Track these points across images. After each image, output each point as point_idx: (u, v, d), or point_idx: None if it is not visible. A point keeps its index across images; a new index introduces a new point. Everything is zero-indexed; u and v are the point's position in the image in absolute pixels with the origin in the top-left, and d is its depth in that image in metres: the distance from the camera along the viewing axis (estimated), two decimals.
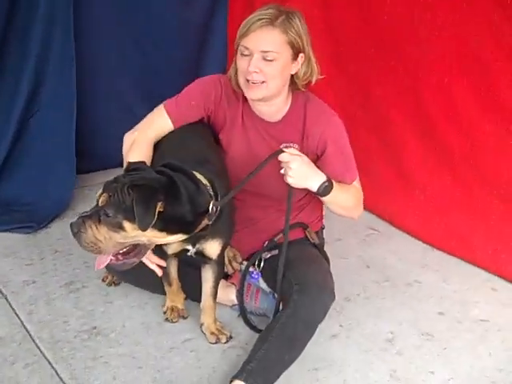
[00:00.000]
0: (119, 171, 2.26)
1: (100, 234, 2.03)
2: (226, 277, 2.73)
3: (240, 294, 2.61)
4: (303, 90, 2.49)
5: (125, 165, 2.40)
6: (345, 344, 2.53)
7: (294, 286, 2.37)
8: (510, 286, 2.97)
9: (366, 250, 3.25)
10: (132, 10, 3.80)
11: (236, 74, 2.45)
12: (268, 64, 2.31)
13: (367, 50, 3.39)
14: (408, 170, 3.35)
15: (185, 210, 2.10)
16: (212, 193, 2.19)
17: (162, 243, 2.21)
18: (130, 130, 2.55)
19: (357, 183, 2.60)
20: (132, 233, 2.04)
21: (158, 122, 2.57)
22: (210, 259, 2.39)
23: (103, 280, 2.87)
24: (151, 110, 3.93)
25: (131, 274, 2.60)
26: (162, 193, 2.03)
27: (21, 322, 2.61)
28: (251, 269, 2.66)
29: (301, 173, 2.34)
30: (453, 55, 3.05)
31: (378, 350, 2.53)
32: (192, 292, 2.67)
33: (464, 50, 3.00)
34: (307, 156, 2.43)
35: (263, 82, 2.34)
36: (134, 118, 3.57)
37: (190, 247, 2.31)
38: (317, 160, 2.50)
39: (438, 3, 3.04)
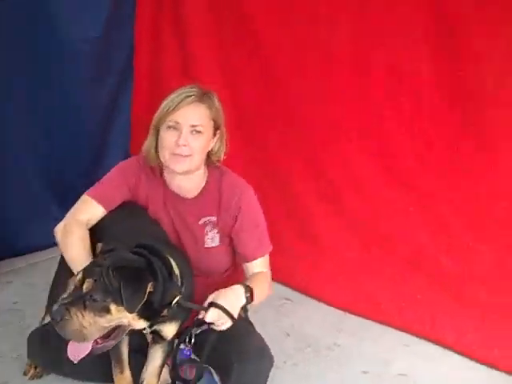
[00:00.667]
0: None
1: (85, 320, 1.99)
2: None
3: (174, 372, 2.58)
4: (217, 164, 2.59)
5: (69, 254, 2.43)
6: None
7: (232, 357, 2.39)
8: (418, 340, 3.16)
9: (282, 319, 3.33)
10: (41, 89, 3.76)
11: (155, 150, 2.50)
12: (195, 138, 2.40)
13: (273, 122, 3.60)
14: (317, 237, 3.53)
15: (156, 298, 2.09)
16: (180, 283, 2.20)
17: (136, 327, 2.15)
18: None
19: (265, 261, 2.63)
20: (117, 315, 2.01)
21: (86, 208, 2.55)
22: (163, 339, 2.36)
23: (25, 374, 2.72)
24: (55, 192, 3.95)
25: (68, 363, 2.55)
26: (150, 274, 2.05)
27: None
28: (182, 346, 2.65)
29: (225, 318, 2.34)
30: (354, 124, 3.33)
31: None
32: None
33: (365, 119, 3.30)
34: (222, 230, 2.54)
35: (189, 155, 2.42)
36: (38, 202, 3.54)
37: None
38: (231, 232, 2.58)
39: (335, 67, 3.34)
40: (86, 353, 2.08)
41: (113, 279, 1.99)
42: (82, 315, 1.99)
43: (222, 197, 2.55)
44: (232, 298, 2.36)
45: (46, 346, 2.58)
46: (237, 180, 2.61)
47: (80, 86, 3.95)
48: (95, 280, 1.99)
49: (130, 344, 2.42)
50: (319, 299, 3.47)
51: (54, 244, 3.83)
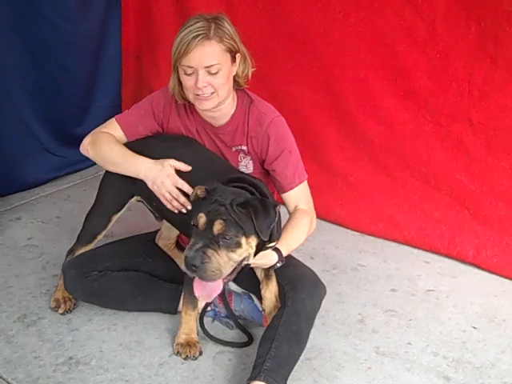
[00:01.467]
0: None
1: (221, 258, 2.05)
2: None
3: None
4: (244, 86, 2.55)
5: (109, 154, 2.49)
6: (324, 332, 2.63)
7: (284, 286, 2.42)
8: (439, 258, 3.24)
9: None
10: (25, 20, 3.60)
11: (180, 89, 2.48)
12: (214, 77, 2.35)
13: (280, 51, 3.52)
14: (330, 162, 3.52)
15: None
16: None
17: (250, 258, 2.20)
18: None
19: (304, 191, 2.62)
20: (245, 248, 2.09)
21: (109, 128, 2.59)
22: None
23: (55, 309, 2.69)
24: (48, 126, 3.83)
25: (97, 291, 2.60)
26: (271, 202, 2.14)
27: None
28: None
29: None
30: (367, 51, 3.28)
31: (356, 331, 2.66)
32: (163, 303, 2.65)
33: (378, 46, 3.24)
34: (253, 160, 2.56)
35: (212, 93, 2.38)
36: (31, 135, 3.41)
37: None
38: (263, 163, 2.56)
39: (350, 3, 3.23)
40: (219, 290, 2.15)
41: (241, 214, 2.06)
42: (218, 254, 2.05)
43: (250, 126, 2.53)
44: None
45: (86, 278, 2.56)
46: (265, 109, 2.56)
47: (66, 16, 3.83)
48: (225, 219, 2.04)
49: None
50: (338, 223, 3.51)
51: (53, 179, 3.87)
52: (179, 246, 2.86)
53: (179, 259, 2.76)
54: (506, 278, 3.07)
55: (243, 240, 2.08)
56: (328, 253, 3.28)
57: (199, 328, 2.52)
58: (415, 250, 3.31)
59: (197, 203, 2.18)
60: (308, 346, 2.42)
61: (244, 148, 2.56)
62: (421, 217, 3.33)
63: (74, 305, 2.71)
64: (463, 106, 3.12)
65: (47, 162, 3.96)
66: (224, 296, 2.58)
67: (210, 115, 2.52)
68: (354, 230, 3.49)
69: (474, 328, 2.70)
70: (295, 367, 2.32)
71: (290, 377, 2.27)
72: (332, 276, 3.05)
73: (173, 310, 2.69)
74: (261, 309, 2.57)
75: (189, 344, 2.44)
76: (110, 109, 4.26)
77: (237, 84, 2.52)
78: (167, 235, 2.85)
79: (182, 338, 2.46)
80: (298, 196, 2.55)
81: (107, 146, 2.53)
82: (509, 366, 2.46)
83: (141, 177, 2.46)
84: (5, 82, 3.61)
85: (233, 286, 2.68)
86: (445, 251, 3.23)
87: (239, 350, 2.51)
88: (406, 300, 2.89)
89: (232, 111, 2.54)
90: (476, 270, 3.14)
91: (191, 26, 2.34)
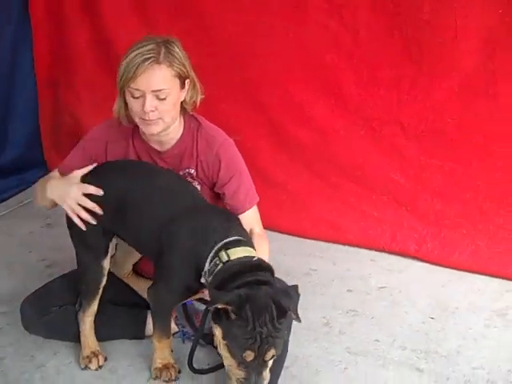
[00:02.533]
0: None
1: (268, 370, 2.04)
2: None
3: (186, 320, 2.58)
4: (191, 112, 2.51)
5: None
6: (294, 339, 2.63)
7: None
8: (384, 255, 3.37)
9: None
10: None
11: (125, 112, 2.42)
12: (162, 102, 2.30)
13: (207, 68, 3.48)
14: (267, 173, 3.58)
15: None
16: None
17: None
18: None
19: (256, 214, 2.57)
20: None
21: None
22: None
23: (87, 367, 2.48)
24: None
25: (59, 328, 2.54)
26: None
27: None
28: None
29: None
30: (295, 63, 3.39)
31: (323, 335, 2.72)
32: (129, 330, 2.60)
33: (305, 57, 3.38)
34: (203, 183, 2.51)
35: (159, 118, 2.33)
36: None
37: None
38: (213, 186, 2.54)
39: (275, 17, 3.32)
40: None
41: (280, 325, 2.00)
42: (268, 370, 2.04)
43: (199, 149, 2.49)
44: None
45: (45, 316, 2.51)
46: (214, 132, 2.53)
47: None
48: (276, 347, 1.99)
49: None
50: (281, 231, 3.54)
51: None
52: (137, 272, 2.78)
53: (138, 287, 2.71)
54: (448, 268, 3.23)
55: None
56: (277, 261, 3.24)
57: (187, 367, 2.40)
58: (359, 250, 3.42)
59: (229, 323, 1.99)
60: None
61: (192, 171, 2.51)
62: (361, 218, 3.46)
63: (105, 359, 2.52)
64: (393, 110, 3.30)
65: None
66: (190, 317, 2.55)
67: (156, 139, 2.47)
68: (296, 236, 3.54)
69: (432, 318, 2.83)
70: None
71: None
72: (287, 283, 3.08)
73: (140, 336, 2.62)
74: None
75: (167, 367, 2.39)
76: (29, 136, 4.13)
77: (183, 110, 2.47)
78: (122, 262, 2.76)
79: (158, 362, 2.40)
80: (252, 219, 2.51)
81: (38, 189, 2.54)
82: (473, 352, 2.60)
83: (52, 198, 2.42)
84: None
85: (200, 306, 2.64)
86: (388, 248, 3.37)
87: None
88: (363, 299, 2.98)
89: (178, 135, 2.49)
90: (420, 264, 3.29)
91: (140, 48, 2.27)
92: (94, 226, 2.34)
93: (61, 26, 4.03)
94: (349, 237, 3.45)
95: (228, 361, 2.03)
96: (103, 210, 2.33)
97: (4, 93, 3.93)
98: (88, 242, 2.40)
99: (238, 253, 2.10)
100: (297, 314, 2.02)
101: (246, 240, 2.19)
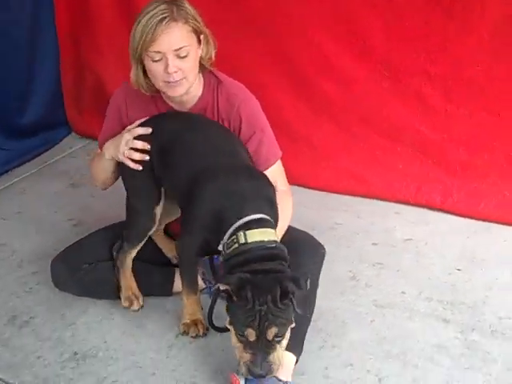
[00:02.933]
0: None
1: (279, 352, 2.02)
2: None
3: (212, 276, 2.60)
4: (209, 67, 2.48)
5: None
6: (321, 293, 2.63)
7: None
8: (408, 208, 3.35)
9: None
10: None
11: (145, 80, 2.40)
12: (184, 60, 2.28)
13: (231, 21, 3.47)
14: (290, 126, 3.52)
15: None
16: None
17: None
18: None
19: (280, 170, 2.60)
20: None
21: None
22: None
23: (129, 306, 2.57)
24: None
25: (90, 285, 2.57)
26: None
27: None
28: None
29: None
30: (320, 12, 3.29)
31: (350, 288, 2.74)
32: (157, 287, 2.62)
33: (331, 6, 3.26)
34: None
35: (182, 78, 2.32)
36: None
37: None
38: None
39: None
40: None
41: (284, 306, 1.98)
42: (276, 352, 2.01)
43: (220, 107, 2.48)
44: None
45: (77, 273, 2.55)
46: (235, 89, 2.50)
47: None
48: (277, 325, 1.97)
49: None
50: (303, 185, 3.52)
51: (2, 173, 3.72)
52: (168, 233, 2.80)
53: (165, 246, 2.74)
54: (474, 219, 3.20)
55: (289, 326, 2.04)
56: (302, 215, 3.25)
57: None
58: (384, 203, 3.39)
59: (232, 305, 2.04)
60: None
61: None
62: (386, 170, 3.41)
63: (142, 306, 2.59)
64: (420, 60, 3.21)
65: None
66: (216, 272, 2.56)
67: (178, 100, 2.46)
68: (320, 190, 3.52)
69: (459, 270, 2.82)
70: None
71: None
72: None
73: (167, 293, 2.66)
74: None
75: (195, 322, 2.42)
76: (50, 96, 4.12)
77: (202, 66, 2.45)
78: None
79: (187, 318, 2.43)
80: (275, 175, 2.50)
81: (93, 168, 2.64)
82: (498, 301, 2.60)
83: (109, 157, 2.47)
84: None
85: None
86: (413, 201, 3.34)
87: None
88: (389, 252, 2.98)
89: (199, 93, 2.48)
90: (445, 216, 3.26)
91: (152, 10, 2.24)
92: (148, 174, 2.39)
93: None
94: (373, 190, 3.42)
95: (234, 342, 2.05)
96: (152, 155, 2.37)
97: (26, 53, 3.90)
98: (142, 189, 2.45)
99: (255, 236, 2.08)
100: (302, 306, 2.02)
101: (269, 217, 2.16)
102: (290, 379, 2.15)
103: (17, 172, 3.87)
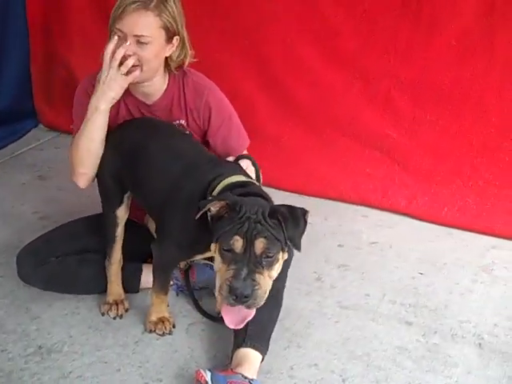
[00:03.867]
0: None
1: (266, 279, 1.92)
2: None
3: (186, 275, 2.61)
4: (174, 72, 2.50)
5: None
6: (287, 292, 2.64)
7: None
8: (375, 211, 3.41)
9: None
10: None
11: None
12: (142, 48, 2.30)
13: (204, 18, 3.49)
14: (260, 126, 3.55)
15: None
16: None
17: None
18: None
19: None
20: (280, 262, 1.97)
21: None
22: None
23: (107, 313, 2.54)
24: None
25: (57, 278, 2.55)
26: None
27: None
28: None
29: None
30: (293, 15, 3.34)
31: (316, 289, 2.78)
32: (124, 284, 2.62)
33: (303, 9, 3.32)
34: (194, 132, 2.53)
35: (137, 65, 2.33)
36: None
37: None
38: (205, 134, 2.56)
39: None
40: (252, 316, 2.00)
41: (275, 226, 1.91)
42: (264, 277, 1.91)
43: (187, 99, 2.51)
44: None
45: (43, 265, 2.52)
46: (200, 80, 2.54)
47: None
48: (265, 237, 1.89)
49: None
50: (273, 186, 3.51)
51: None
52: None
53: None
54: (437, 224, 3.27)
55: (280, 255, 1.95)
56: None
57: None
58: (352, 206, 3.45)
59: (221, 223, 1.96)
60: None
61: (183, 122, 2.54)
62: (353, 173, 3.48)
63: (126, 311, 2.56)
64: (390, 63, 3.29)
65: None
66: (186, 270, 2.58)
67: (141, 91, 2.48)
68: (288, 191, 3.55)
69: (421, 274, 2.88)
70: None
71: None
72: None
73: (135, 290, 2.66)
74: None
75: (162, 320, 2.43)
76: (18, 87, 4.08)
77: (168, 67, 2.47)
78: None
79: (153, 316, 2.44)
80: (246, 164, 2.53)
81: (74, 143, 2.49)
82: (459, 306, 2.67)
83: (104, 106, 2.38)
84: None
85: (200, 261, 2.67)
86: (379, 204, 3.40)
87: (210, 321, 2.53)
88: (354, 254, 3.03)
89: (164, 86, 2.51)
90: (409, 220, 3.34)
91: None
92: (110, 179, 2.42)
93: None
94: (341, 192, 3.47)
95: (218, 264, 1.96)
96: (118, 161, 2.39)
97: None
98: (107, 193, 2.47)
99: (232, 179, 2.10)
100: (297, 241, 1.95)
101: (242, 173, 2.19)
102: (255, 377, 2.17)
103: None
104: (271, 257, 1.91)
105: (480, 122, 3.17)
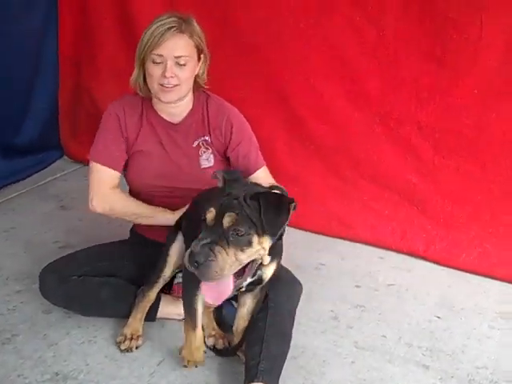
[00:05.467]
0: None
1: (229, 257, 1.93)
2: (169, 291, 2.71)
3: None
4: (203, 87, 2.68)
5: (133, 211, 2.60)
6: (302, 331, 2.70)
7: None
8: (392, 253, 3.41)
9: None
10: None
11: (144, 81, 2.58)
12: (181, 69, 2.49)
13: (228, 56, 3.57)
14: (280, 165, 3.57)
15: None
16: None
17: (264, 262, 2.10)
18: None
19: (267, 172, 2.75)
20: (256, 248, 1.97)
21: (102, 177, 2.60)
22: (259, 285, 2.29)
23: (118, 344, 2.55)
24: None
25: (76, 297, 2.59)
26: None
27: None
28: None
29: None
30: (317, 55, 3.41)
31: (331, 328, 2.77)
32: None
33: (328, 50, 3.39)
34: (217, 149, 2.65)
35: (176, 85, 2.50)
36: None
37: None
38: (225, 151, 2.67)
39: (301, 7, 3.34)
40: (229, 293, 2.03)
41: (255, 210, 1.94)
42: (226, 253, 1.93)
43: (210, 117, 2.66)
44: None
45: (65, 283, 2.56)
46: (222, 101, 2.71)
47: (9, 17, 3.71)
48: (237, 213, 1.93)
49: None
50: (291, 225, 3.54)
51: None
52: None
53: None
54: (455, 269, 3.27)
55: (255, 239, 1.95)
56: (287, 253, 3.32)
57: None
58: (369, 247, 3.46)
59: (209, 195, 2.11)
60: (291, 344, 2.50)
61: (207, 138, 2.66)
62: (372, 215, 3.49)
63: (137, 347, 2.54)
64: (411, 108, 3.32)
65: None
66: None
67: (169, 111, 2.63)
68: (306, 231, 3.58)
69: (438, 318, 2.87)
70: (284, 366, 2.37)
71: (280, 376, 2.32)
72: (297, 275, 3.10)
73: (152, 318, 2.67)
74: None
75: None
76: (46, 118, 4.17)
77: (196, 84, 2.64)
78: None
79: (185, 355, 2.41)
80: (267, 176, 2.69)
81: (123, 202, 2.63)
82: (476, 351, 2.64)
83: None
84: None
85: None
86: (396, 247, 3.41)
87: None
88: (371, 295, 3.03)
89: (190, 106, 2.66)
90: (427, 264, 3.33)
91: (163, 20, 2.48)
92: None
93: (86, 5, 4.08)
94: (359, 233, 3.48)
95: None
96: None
97: (29, 72, 3.99)
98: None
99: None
100: (273, 226, 1.97)
101: None
102: None
103: (7, 191, 3.90)
104: (240, 235, 1.93)
105: (500, 168, 3.18)
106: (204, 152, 2.66)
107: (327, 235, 3.55)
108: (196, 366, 2.39)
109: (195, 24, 2.53)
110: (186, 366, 2.39)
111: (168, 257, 2.50)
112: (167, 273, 2.52)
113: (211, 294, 2.06)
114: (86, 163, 4.16)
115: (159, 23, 2.46)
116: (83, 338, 2.59)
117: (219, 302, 2.11)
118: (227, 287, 2.04)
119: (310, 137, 3.57)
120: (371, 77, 3.34)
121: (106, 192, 2.59)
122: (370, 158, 3.45)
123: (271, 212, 1.95)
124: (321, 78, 3.45)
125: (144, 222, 2.66)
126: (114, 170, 2.61)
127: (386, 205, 3.48)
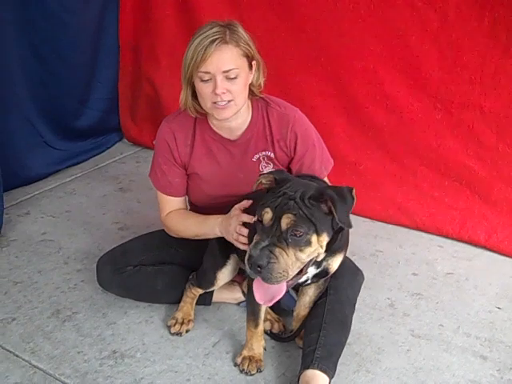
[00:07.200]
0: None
1: (290, 258, 1.91)
2: None
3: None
4: (258, 95, 2.51)
5: (195, 231, 2.51)
6: (358, 317, 2.67)
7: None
8: (451, 242, 3.33)
9: None
10: (30, 14, 3.53)
11: (194, 102, 2.43)
12: (233, 82, 2.29)
13: (288, 43, 3.55)
14: (339, 152, 3.51)
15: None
16: None
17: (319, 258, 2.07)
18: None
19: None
20: (315, 247, 1.94)
21: (167, 203, 2.60)
22: (324, 277, 2.29)
23: (169, 327, 2.57)
24: (48, 119, 3.73)
25: (132, 286, 2.62)
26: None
27: (29, 363, 2.35)
28: None
29: None
30: (378, 42, 3.34)
31: (388, 315, 2.73)
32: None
33: (389, 36, 3.30)
34: (281, 162, 2.52)
35: (231, 100, 2.32)
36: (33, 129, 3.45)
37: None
38: (291, 161, 2.55)
39: None
40: (282, 294, 2.00)
41: (313, 208, 1.92)
42: (287, 254, 1.91)
43: (273, 129, 2.50)
44: None
45: (121, 274, 2.59)
46: (284, 109, 2.52)
47: (69, 9, 3.78)
48: (295, 214, 1.90)
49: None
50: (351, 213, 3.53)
51: (53, 173, 3.81)
52: None
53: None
54: None
55: (314, 238, 1.92)
56: None
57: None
58: (427, 235, 3.39)
59: (263, 196, 2.04)
60: None
61: (270, 154, 2.52)
62: (431, 203, 3.41)
63: (187, 331, 2.56)
64: (474, 94, 3.21)
65: (48, 155, 3.91)
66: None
67: (227, 126, 2.47)
68: (365, 217, 3.54)
69: (499, 308, 2.80)
70: None
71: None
72: (354, 262, 3.09)
73: (207, 302, 2.70)
74: (295, 297, 2.58)
75: (250, 359, 2.37)
76: (107, 101, 4.24)
77: (251, 93, 2.47)
78: None
79: (243, 352, 2.39)
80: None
81: (182, 227, 2.57)
82: None
83: (218, 234, 2.44)
84: (8, 77, 3.55)
85: None
86: (456, 235, 3.32)
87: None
88: (429, 283, 2.97)
89: (248, 119, 2.50)
90: (488, 253, 3.24)
91: (205, 32, 2.27)
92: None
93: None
94: (418, 221, 3.42)
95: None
96: None
97: (90, 56, 4.05)
98: (215, 254, 2.53)
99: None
100: (346, 219, 1.92)
101: None
102: None
103: (68, 172, 4.00)
104: (299, 236, 1.90)
105: None
106: (265, 167, 2.52)
107: (385, 222, 3.50)
108: (248, 372, 2.34)
109: (241, 30, 2.32)
110: (243, 371, 2.35)
111: (216, 280, 2.51)
112: (216, 288, 2.57)
113: (263, 295, 2.03)
114: (143, 146, 4.28)
115: (201, 36, 2.26)
116: (140, 318, 2.63)
117: (270, 304, 2.07)
118: (281, 289, 2.01)
119: (368, 123, 3.51)
120: (433, 63, 3.25)
121: (171, 215, 2.59)
122: (429, 144, 3.37)
123: (341, 206, 1.91)
124: (381, 64, 3.38)
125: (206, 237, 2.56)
126: (176, 196, 2.58)
127: (446, 192, 3.39)
